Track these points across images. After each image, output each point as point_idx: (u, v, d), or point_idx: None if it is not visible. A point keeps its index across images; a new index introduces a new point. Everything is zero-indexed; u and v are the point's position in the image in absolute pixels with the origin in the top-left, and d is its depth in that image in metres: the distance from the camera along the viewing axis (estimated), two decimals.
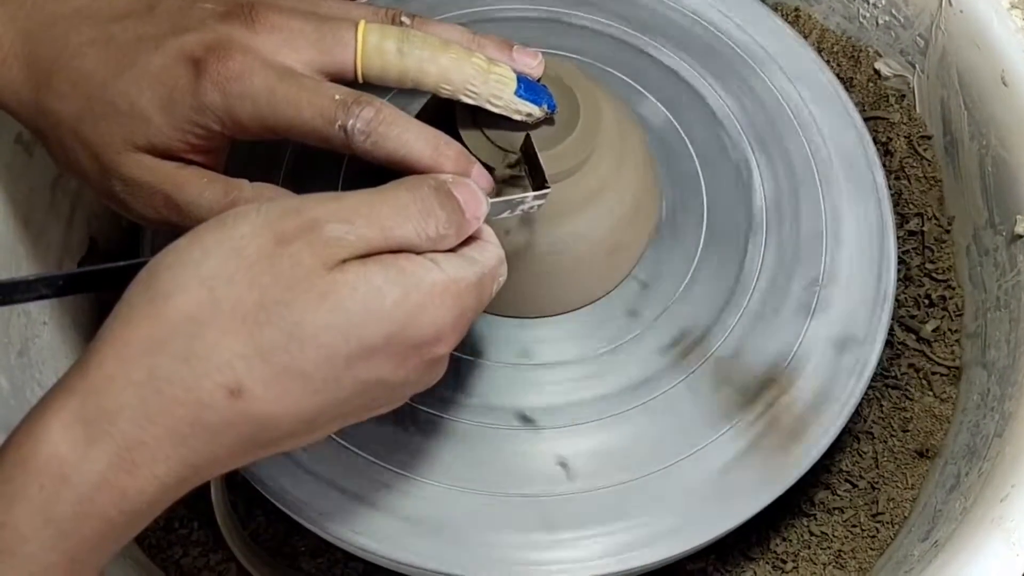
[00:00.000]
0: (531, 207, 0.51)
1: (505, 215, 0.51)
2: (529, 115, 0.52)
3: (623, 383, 0.58)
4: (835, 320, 0.60)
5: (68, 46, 0.50)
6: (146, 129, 0.49)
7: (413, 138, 0.48)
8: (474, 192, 0.46)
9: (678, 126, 0.65)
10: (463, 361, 0.58)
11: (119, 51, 0.49)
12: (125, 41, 0.49)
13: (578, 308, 0.59)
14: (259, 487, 0.56)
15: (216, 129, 0.49)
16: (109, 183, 0.50)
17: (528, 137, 0.52)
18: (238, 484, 0.63)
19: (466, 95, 0.51)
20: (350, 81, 0.50)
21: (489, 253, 0.47)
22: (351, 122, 0.47)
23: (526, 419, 0.57)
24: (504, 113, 0.52)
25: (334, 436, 0.56)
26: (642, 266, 0.60)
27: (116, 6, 0.51)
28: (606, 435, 0.57)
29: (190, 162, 0.50)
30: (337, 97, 0.48)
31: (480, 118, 0.53)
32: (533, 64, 0.53)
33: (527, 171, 0.52)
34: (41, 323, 0.65)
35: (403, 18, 0.52)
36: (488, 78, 0.51)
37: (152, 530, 0.64)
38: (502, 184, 0.52)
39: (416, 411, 0.57)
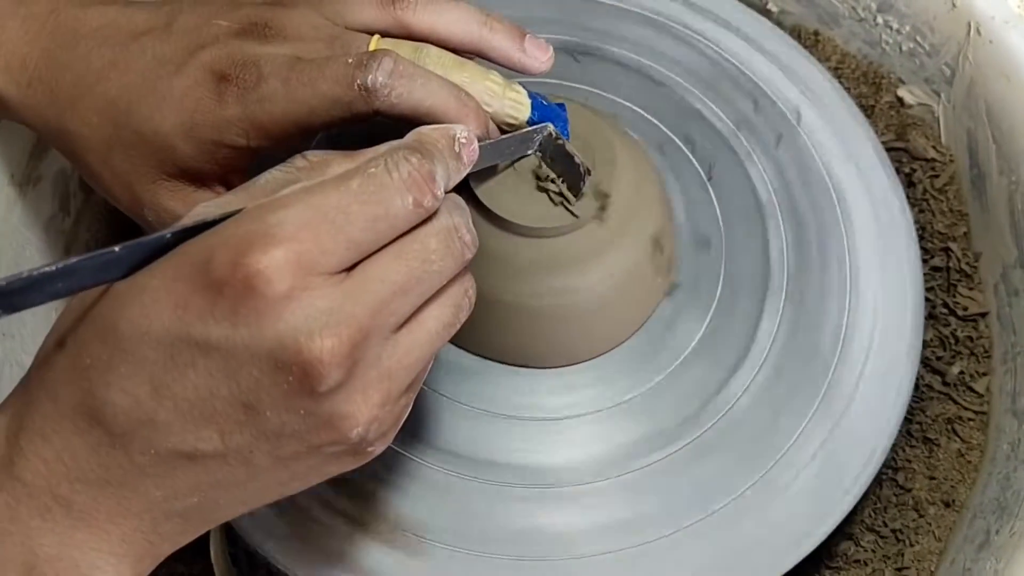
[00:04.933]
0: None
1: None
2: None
3: (633, 439, 0.55)
4: (859, 369, 0.58)
5: (90, 70, 0.50)
6: (174, 156, 0.48)
7: (437, 87, 0.46)
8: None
9: (699, 167, 0.63)
10: (462, 409, 0.56)
11: (140, 75, 0.49)
12: (145, 64, 0.49)
13: (588, 359, 0.57)
14: (249, 544, 0.54)
15: (242, 143, 0.48)
16: (141, 211, 0.51)
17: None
18: (239, 537, 0.61)
19: None
20: None
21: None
22: (370, 77, 0.45)
23: (530, 475, 0.55)
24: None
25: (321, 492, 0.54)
26: (656, 317, 0.58)
27: (135, 23, 0.50)
28: (614, 495, 0.54)
29: (224, 183, 0.50)
30: (350, 60, 0.46)
31: None
32: (543, 59, 0.51)
33: (560, 165, 0.51)
34: None
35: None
36: (503, 101, 0.49)
37: None
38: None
39: (406, 460, 0.55)
